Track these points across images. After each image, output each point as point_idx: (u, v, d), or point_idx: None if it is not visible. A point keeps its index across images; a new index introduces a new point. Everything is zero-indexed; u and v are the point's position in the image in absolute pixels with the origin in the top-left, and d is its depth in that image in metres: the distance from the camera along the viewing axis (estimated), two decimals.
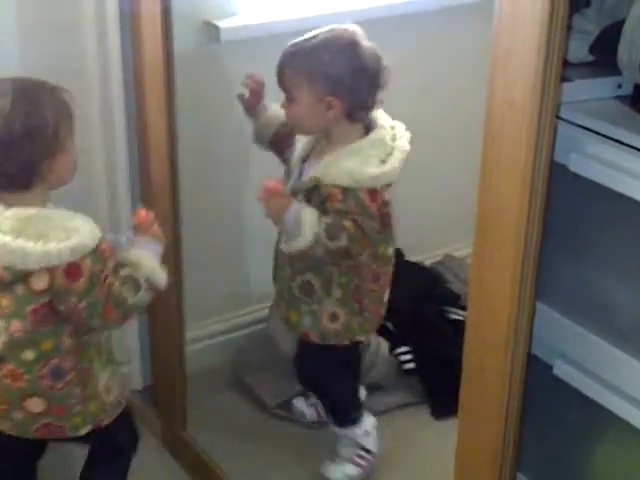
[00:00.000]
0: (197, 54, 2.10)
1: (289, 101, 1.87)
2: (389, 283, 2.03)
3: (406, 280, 2.50)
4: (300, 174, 1.92)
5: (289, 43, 1.86)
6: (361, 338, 2.04)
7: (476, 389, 1.45)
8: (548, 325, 1.40)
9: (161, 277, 1.67)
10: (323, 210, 1.83)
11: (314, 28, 1.90)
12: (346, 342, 2.00)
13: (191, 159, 2.02)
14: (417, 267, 2.61)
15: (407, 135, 1.91)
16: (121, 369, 1.83)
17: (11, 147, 1.54)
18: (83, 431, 1.72)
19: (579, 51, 1.46)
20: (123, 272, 1.62)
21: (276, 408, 2.29)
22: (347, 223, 1.82)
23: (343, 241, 1.82)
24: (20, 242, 1.52)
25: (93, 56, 1.99)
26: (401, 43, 2.38)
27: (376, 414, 2.21)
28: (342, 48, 1.84)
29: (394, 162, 1.86)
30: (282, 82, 1.86)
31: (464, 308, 2.26)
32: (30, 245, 1.52)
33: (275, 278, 2.03)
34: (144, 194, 2.04)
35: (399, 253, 2.59)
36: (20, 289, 1.58)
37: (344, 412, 2.14)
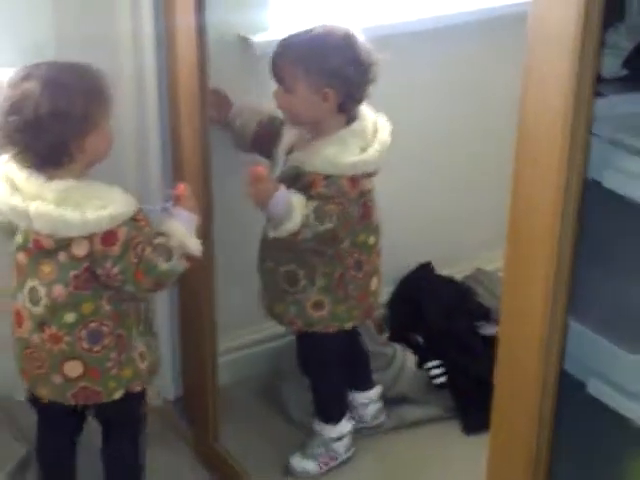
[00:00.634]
0: (231, 68, 2.12)
1: (284, 91, 1.90)
2: (375, 272, 2.07)
3: (436, 294, 2.50)
4: (284, 165, 1.96)
5: (284, 36, 1.90)
6: (348, 325, 2.08)
7: (508, 405, 1.44)
8: (581, 342, 1.39)
9: (194, 245, 1.74)
10: (306, 197, 1.88)
11: None
12: (333, 330, 2.05)
13: (223, 170, 2.03)
14: (448, 281, 2.60)
15: (388, 128, 1.96)
16: (156, 341, 1.89)
17: (40, 128, 1.62)
18: (117, 395, 1.79)
19: (613, 66, 1.46)
20: (156, 240, 1.71)
21: (303, 424, 2.28)
22: (332, 206, 1.88)
23: (331, 223, 1.88)
24: (61, 211, 1.62)
25: (129, 72, 2.01)
26: (435, 56, 2.39)
27: (404, 426, 2.21)
28: (339, 40, 1.90)
29: (373, 151, 1.91)
30: (278, 72, 1.91)
31: (495, 322, 2.25)
32: (70, 214, 1.62)
33: (260, 271, 2.08)
34: None
35: (429, 267, 2.59)
36: (62, 256, 1.67)
37: (326, 405, 2.19)
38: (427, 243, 2.59)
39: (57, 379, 1.76)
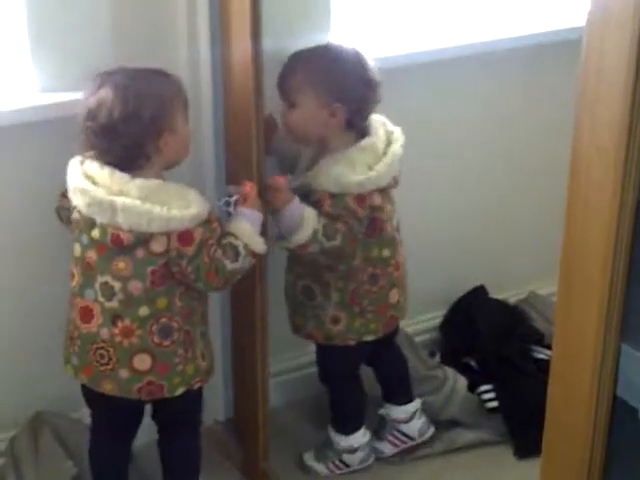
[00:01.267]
0: None
1: (290, 107, 1.92)
2: (395, 285, 2.07)
3: (489, 318, 2.49)
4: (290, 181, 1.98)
5: (292, 52, 1.92)
6: (368, 338, 2.09)
7: (560, 430, 1.43)
8: (634, 368, 1.38)
9: (258, 244, 1.82)
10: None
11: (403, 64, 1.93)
12: (352, 342, 2.07)
13: None
14: (501, 304, 2.59)
15: (401, 139, 1.97)
16: (210, 344, 1.95)
17: (115, 132, 1.72)
18: (179, 391, 1.85)
19: None
20: (224, 240, 1.80)
21: None
22: (339, 225, 1.91)
23: (337, 241, 1.91)
24: (148, 206, 1.70)
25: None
26: (481, 82, 2.39)
27: (455, 450, 2.19)
28: (349, 57, 1.92)
29: (381, 168, 1.92)
30: (285, 88, 1.92)
31: (549, 347, 2.24)
32: (157, 209, 1.70)
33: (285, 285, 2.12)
34: None
35: (482, 290, 2.59)
36: (140, 252, 1.74)
37: (341, 416, 2.20)
38: (480, 266, 2.59)
39: (124, 373, 1.80)
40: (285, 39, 2.01)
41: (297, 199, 1.90)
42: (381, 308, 2.07)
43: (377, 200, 1.95)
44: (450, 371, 2.38)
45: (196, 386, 1.88)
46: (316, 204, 1.92)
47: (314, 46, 1.94)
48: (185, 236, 1.73)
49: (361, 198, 1.92)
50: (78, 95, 1.84)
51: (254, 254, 1.82)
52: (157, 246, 1.73)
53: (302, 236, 1.90)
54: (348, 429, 2.20)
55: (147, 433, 2.02)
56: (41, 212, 1.96)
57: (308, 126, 1.94)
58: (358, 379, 2.21)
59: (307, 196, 1.93)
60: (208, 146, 2.07)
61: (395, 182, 2.00)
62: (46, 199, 1.93)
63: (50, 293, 2.04)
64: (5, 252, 2.02)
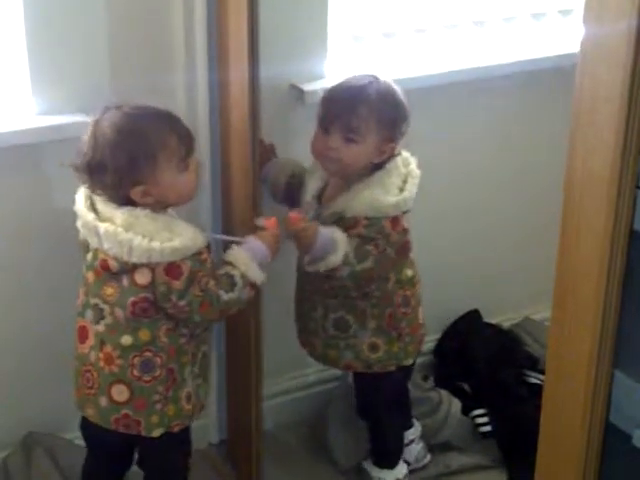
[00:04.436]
0: (281, 116, 2.15)
1: (346, 141, 1.89)
2: (419, 303, 2.08)
3: (483, 342, 2.50)
4: (317, 211, 1.97)
5: (343, 84, 1.92)
6: (407, 362, 2.08)
7: (553, 456, 1.43)
8: (627, 394, 1.38)
9: (256, 273, 1.78)
10: (349, 237, 1.89)
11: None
12: (392, 368, 2.05)
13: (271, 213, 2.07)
14: (495, 329, 2.59)
15: (414, 161, 1.97)
16: (206, 387, 1.91)
17: (102, 169, 1.69)
18: (156, 433, 1.80)
19: None
20: (220, 270, 1.76)
21: (349, 470, 2.28)
22: (371, 247, 1.89)
23: (369, 263, 1.89)
24: (129, 235, 1.67)
25: (182, 117, 2.03)
26: (480, 107, 2.41)
27: (449, 473, 2.19)
28: (399, 96, 1.92)
29: (411, 189, 1.93)
30: (350, 121, 1.88)
31: (543, 372, 2.24)
32: (138, 239, 1.66)
33: (301, 318, 2.09)
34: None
35: (476, 314, 2.59)
36: (125, 281, 1.71)
37: (385, 449, 2.18)
38: (474, 291, 2.59)
39: (104, 401, 1.78)
40: (282, 64, 2.02)
41: (320, 226, 1.89)
42: (414, 329, 2.06)
43: (406, 222, 1.95)
44: (445, 394, 2.38)
45: (176, 429, 1.82)
46: (349, 229, 1.90)
47: (366, 80, 1.91)
48: (172, 269, 1.69)
49: (396, 220, 1.91)
50: (75, 118, 1.85)
51: (252, 285, 1.79)
52: (140, 278, 1.70)
53: (335, 259, 1.88)
54: (393, 462, 2.18)
55: None
56: (38, 232, 1.97)
57: (362, 160, 1.92)
58: (399, 409, 2.18)
59: (337, 223, 1.92)
60: (204, 172, 2.08)
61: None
62: (43, 219, 1.94)
63: (44, 314, 2.04)
64: (3, 273, 2.02)
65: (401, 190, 1.92)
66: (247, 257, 1.78)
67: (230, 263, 1.78)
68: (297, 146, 2.17)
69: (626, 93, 1.17)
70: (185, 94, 2.00)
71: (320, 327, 2.05)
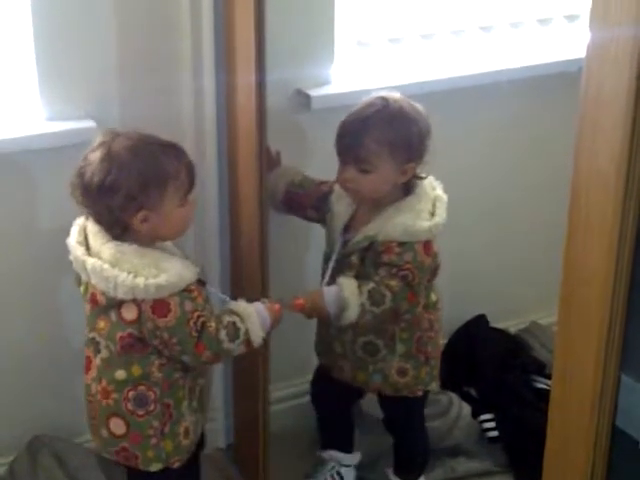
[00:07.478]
0: (288, 121, 2.16)
1: (361, 172, 1.87)
2: (442, 327, 2.07)
3: (491, 347, 2.49)
4: (345, 238, 1.95)
5: (351, 115, 1.88)
6: (432, 387, 2.08)
7: (560, 461, 1.43)
8: (634, 399, 1.38)
9: (258, 335, 1.76)
10: (377, 264, 1.87)
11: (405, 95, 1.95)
12: (419, 394, 2.05)
13: (279, 224, 2.07)
14: (502, 334, 2.59)
15: (439, 184, 1.96)
16: (207, 422, 1.89)
17: (92, 197, 1.68)
18: (154, 468, 1.78)
19: None
20: (229, 318, 1.74)
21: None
22: (392, 282, 1.87)
23: (388, 303, 1.87)
24: (115, 271, 1.65)
25: (189, 122, 2.05)
26: (486, 112, 2.41)
27: (457, 478, 2.18)
28: (413, 115, 1.89)
29: (441, 213, 1.92)
30: (359, 154, 1.86)
31: (550, 377, 2.23)
32: (123, 276, 1.64)
33: (326, 341, 2.07)
34: (234, 267, 2.09)
35: (483, 319, 2.59)
36: (114, 315, 1.70)
37: (408, 465, 2.18)
38: (481, 296, 2.59)
39: (104, 433, 1.78)
40: (289, 69, 2.02)
41: (324, 288, 1.90)
42: (437, 352, 2.06)
43: (436, 247, 1.93)
44: (454, 396, 2.38)
45: (175, 465, 1.80)
46: (379, 254, 1.89)
47: (373, 107, 1.88)
48: (159, 306, 1.66)
49: (428, 245, 1.89)
50: (83, 124, 1.85)
51: (249, 344, 1.76)
52: (127, 313, 1.68)
53: (351, 314, 1.87)
54: (416, 474, 2.18)
55: None
56: (45, 235, 1.97)
57: (378, 188, 1.90)
58: (424, 426, 2.18)
59: (367, 250, 1.90)
60: (211, 182, 2.10)
61: None
62: (50, 225, 1.94)
63: (49, 317, 2.05)
64: (9, 277, 2.03)
65: (432, 214, 1.91)
66: (255, 316, 1.76)
67: (238, 315, 1.76)
68: (303, 151, 2.18)
69: (632, 97, 1.17)
70: (193, 100, 2.01)
71: (349, 350, 2.03)
